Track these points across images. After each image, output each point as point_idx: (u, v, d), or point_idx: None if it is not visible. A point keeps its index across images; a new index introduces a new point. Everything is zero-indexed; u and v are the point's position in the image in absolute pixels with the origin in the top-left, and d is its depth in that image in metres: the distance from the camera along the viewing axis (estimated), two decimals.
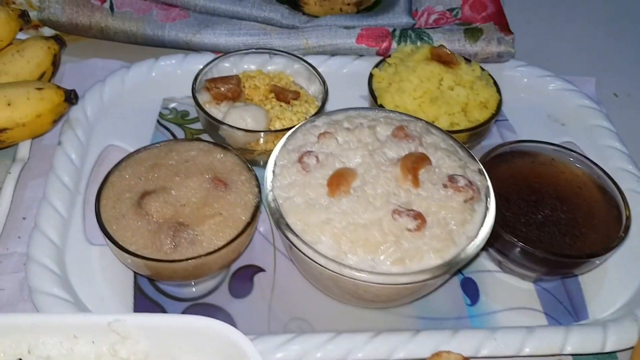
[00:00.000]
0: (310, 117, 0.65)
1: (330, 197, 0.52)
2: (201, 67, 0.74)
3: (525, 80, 0.79)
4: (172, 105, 0.76)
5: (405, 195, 0.51)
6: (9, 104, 0.61)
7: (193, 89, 0.67)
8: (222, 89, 0.67)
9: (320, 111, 0.66)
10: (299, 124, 0.60)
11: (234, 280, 0.59)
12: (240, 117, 0.65)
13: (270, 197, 0.53)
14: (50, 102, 0.63)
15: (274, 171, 0.55)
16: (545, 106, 0.78)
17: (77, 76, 0.78)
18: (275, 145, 0.65)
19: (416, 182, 0.52)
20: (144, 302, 0.57)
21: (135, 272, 0.58)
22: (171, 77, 0.77)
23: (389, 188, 0.52)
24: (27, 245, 0.58)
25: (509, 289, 0.61)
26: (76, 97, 0.66)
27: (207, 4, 0.82)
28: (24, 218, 0.62)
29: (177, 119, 0.75)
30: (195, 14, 0.82)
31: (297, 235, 0.50)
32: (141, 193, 0.56)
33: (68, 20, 0.80)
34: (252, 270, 0.60)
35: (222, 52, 0.79)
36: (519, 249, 0.56)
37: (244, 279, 0.59)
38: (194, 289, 0.59)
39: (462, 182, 0.52)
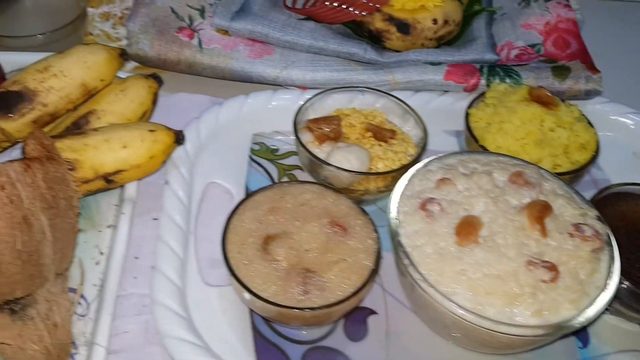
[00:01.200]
0: (415, 158, 0.66)
1: (459, 246, 0.52)
2: (289, 103, 0.76)
3: (610, 117, 0.80)
4: (261, 140, 0.77)
5: (536, 245, 0.52)
6: (124, 147, 0.62)
7: (296, 131, 0.68)
8: (326, 129, 0.68)
9: (422, 153, 0.67)
10: (413, 169, 0.61)
11: (348, 323, 0.60)
12: (344, 158, 0.65)
13: (398, 245, 0.54)
14: (163, 144, 0.64)
15: (397, 218, 0.56)
16: (631, 144, 0.79)
17: (165, 110, 0.78)
18: (377, 186, 0.67)
19: (544, 231, 0.53)
20: (264, 345, 0.58)
21: (251, 313, 0.59)
22: (260, 113, 0.78)
23: (519, 238, 0.52)
24: (145, 287, 0.59)
25: (618, 331, 0.62)
26: (183, 138, 0.67)
27: (291, 39, 0.83)
28: (136, 258, 0.63)
29: (267, 154, 0.76)
30: (280, 49, 0.83)
31: (432, 286, 0.51)
32: (264, 237, 0.57)
33: (156, 56, 0.81)
34: (365, 312, 0.61)
35: (308, 88, 0.81)
36: (634, 294, 0.57)
37: (358, 321, 0.60)
38: (304, 332, 0.60)
39: (588, 231, 0.53)
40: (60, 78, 0.67)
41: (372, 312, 0.61)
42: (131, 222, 0.64)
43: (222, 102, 0.77)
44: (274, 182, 0.61)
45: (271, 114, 0.78)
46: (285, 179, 0.73)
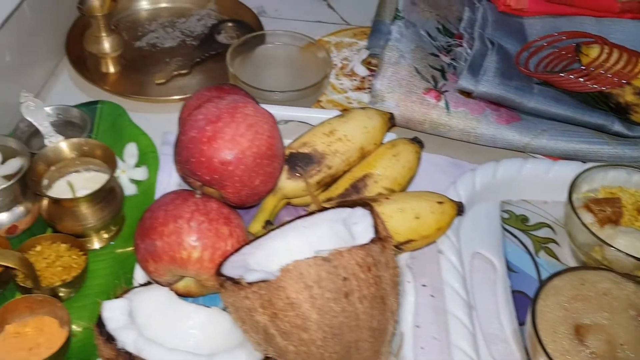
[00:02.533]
0: None
1: None
2: (540, 173, 0.76)
3: None
4: (509, 208, 0.77)
5: None
6: (417, 217, 0.63)
7: (574, 209, 0.67)
8: (608, 212, 0.67)
9: None
10: None
11: None
12: (631, 244, 0.64)
13: None
14: (449, 216, 0.65)
15: None
16: None
17: None
18: None
19: None
20: None
21: None
22: (510, 181, 0.77)
23: None
24: (433, 357, 0.60)
25: None
26: (464, 210, 0.68)
27: (535, 105, 0.82)
28: (417, 326, 0.64)
29: (518, 224, 0.75)
30: (525, 115, 0.83)
31: None
32: (575, 327, 0.56)
33: (401, 115, 0.82)
34: None
35: (557, 158, 0.80)
36: None
37: None
38: None
39: None
40: (345, 142, 0.69)
41: None
42: (417, 291, 0.64)
43: (475, 168, 0.77)
44: (567, 268, 0.61)
45: (520, 182, 0.77)
46: (542, 253, 0.72)
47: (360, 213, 0.54)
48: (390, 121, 0.74)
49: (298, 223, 0.59)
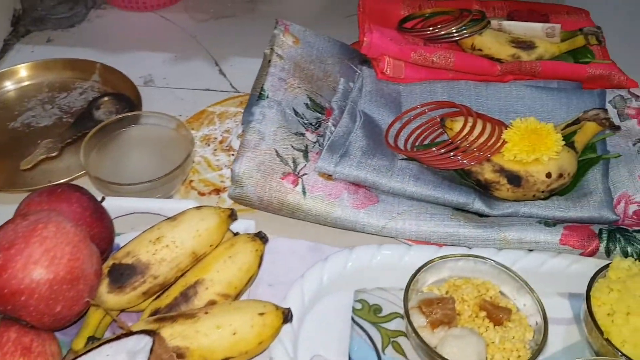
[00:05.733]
0: (536, 352, 0.62)
1: None
2: (395, 260, 0.75)
3: None
4: (364, 297, 0.75)
5: None
6: (234, 334, 0.61)
7: (407, 310, 0.66)
8: (439, 314, 0.65)
9: (542, 346, 0.63)
10: None
11: None
12: (460, 350, 0.62)
13: None
14: (272, 328, 0.63)
15: None
16: None
17: (266, 257, 0.77)
18: None
19: None
20: None
21: None
22: (364, 269, 0.76)
23: None
24: None
25: None
26: (292, 317, 0.66)
27: (396, 185, 0.81)
28: None
29: (370, 316, 0.73)
30: (384, 197, 0.81)
31: None
32: None
33: (259, 200, 0.81)
34: None
35: (413, 240, 0.78)
36: None
37: None
38: None
39: None
40: (172, 249, 0.67)
41: None
42: None
43: (326, 259, 0.76)
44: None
45: (376, 269, 0.76)
46: (389, 349, 0.70)
47: (144, 342, 0.52)
48: (231, 217, 0.72)
49: (103, 350, 0.57)
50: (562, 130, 0.83)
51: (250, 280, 0.70)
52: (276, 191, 0.80)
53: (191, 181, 0.90)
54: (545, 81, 0.96)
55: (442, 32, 1.01)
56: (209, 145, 0.96)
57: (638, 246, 0.73)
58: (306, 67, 0.95)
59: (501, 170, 0.80)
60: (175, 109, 1.01)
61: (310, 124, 0.88)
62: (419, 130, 0.90)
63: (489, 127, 0.83)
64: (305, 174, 0.82)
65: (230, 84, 1.09)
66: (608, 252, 0.74)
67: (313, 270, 0.75)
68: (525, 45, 1.00)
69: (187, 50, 1.16)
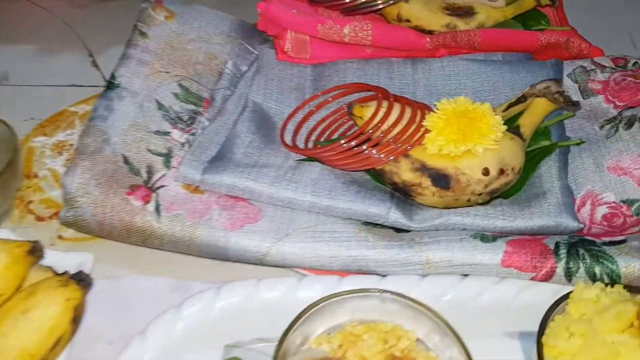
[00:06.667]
0: None
1: None
2: (280, 298, 0.54)
3: None
4: (238, 354, 0.54)
5: None
6: None
7: None
8: None
9: None
10: None
11: None
12: None
13: None
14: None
15: None
16: None
17: (110, 302, 0.58)
18: None
19: None
20: None
21: None
22: (237, 315, 0.55)
23: None
24: None
25: None
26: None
27: (287, 195, 0.60)
28: None
29: None
30: (271, 212, 0.60)
31: None
32: None
33: (98, 224, 0.60)
34: None
35: (307, 269, 0.58)
36: None
37: None
38: None
39: None
40: None
41: None
42: None
43: (181, 303, 0.55)
44: None
45: (255, 313, 0.55)
46: None
47: None
48: (33, 254, 0.51)
49: None
50: (503, 111, 0.64)
51: (60, 343, 0.49)
52: (120, 211, 0.59)
53: (30, 202, 0.69)
54: (486, 54, 0.76)
55: (362, 0, 0.81)
56: (61, 154, 0.75)
57: (610, 266, 0.53)
58: (181, 47, 0.74)
59: (423, 168, 0.59)
60: (27, 111, 0.80)
61: (180, 119, 0.67)
62: (324, 124, 0.69)
63: (408, 112, 0.63)
64: (163, 186, 0.61)
65: (104, 77, 0.87)
66: (569, 275, 0.54)
67: (161, 320, 0.53)
68: (462, 11, 0.80)
69: (56, 41, 0.95)
